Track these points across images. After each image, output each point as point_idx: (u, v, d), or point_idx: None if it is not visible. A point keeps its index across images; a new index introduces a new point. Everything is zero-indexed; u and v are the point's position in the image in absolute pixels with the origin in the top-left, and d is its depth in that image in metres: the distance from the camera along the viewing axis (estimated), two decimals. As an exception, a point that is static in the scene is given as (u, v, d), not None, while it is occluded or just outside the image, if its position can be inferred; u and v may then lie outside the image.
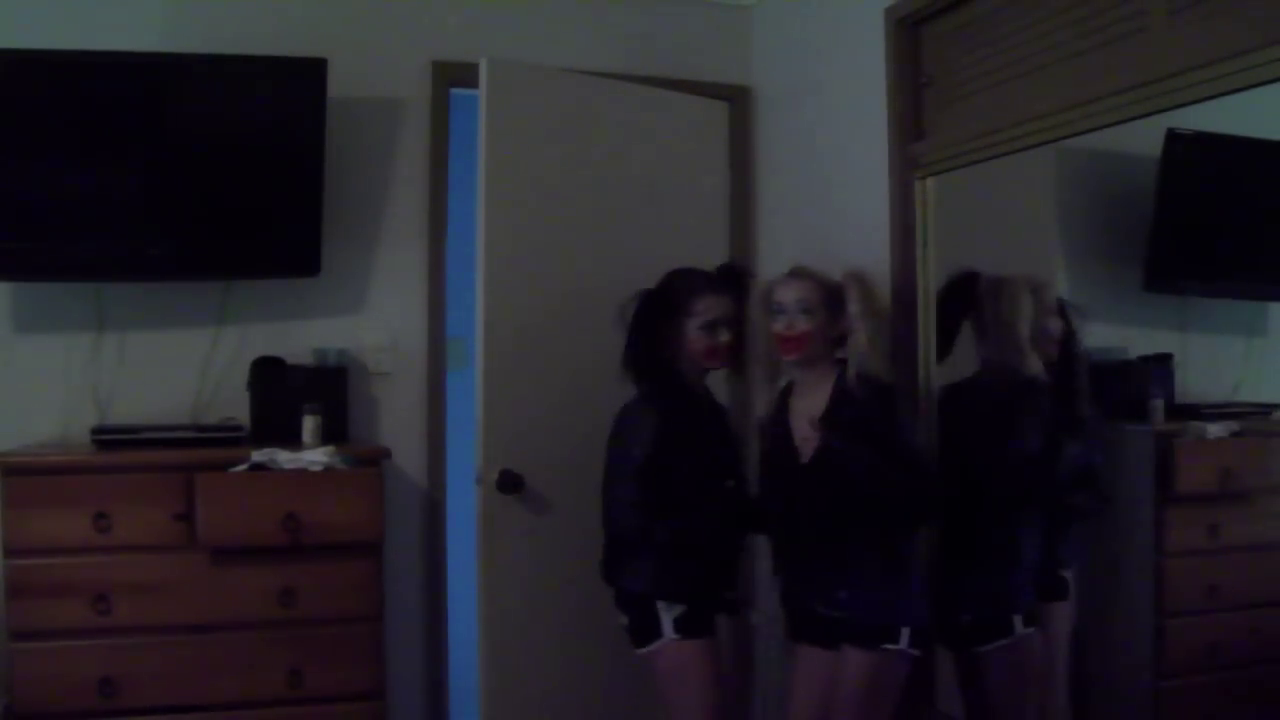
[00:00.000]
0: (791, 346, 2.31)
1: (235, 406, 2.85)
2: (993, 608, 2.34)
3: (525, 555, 2.75)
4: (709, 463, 2.41)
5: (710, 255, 2.87)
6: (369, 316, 3.05)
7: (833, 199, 2.95)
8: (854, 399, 2.24)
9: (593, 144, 2.94)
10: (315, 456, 2.55)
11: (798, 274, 2.35)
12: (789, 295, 2.31)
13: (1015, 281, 2.33)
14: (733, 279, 2.51)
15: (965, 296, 2.42)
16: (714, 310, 2.41)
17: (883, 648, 2.21)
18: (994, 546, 2.36)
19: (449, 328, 3.12)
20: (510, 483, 2.70)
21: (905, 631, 2.22)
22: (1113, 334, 2.40)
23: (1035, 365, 2.28)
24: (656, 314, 2.44)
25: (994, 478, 2.38)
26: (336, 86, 2.83)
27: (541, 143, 2.84)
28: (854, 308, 2.26)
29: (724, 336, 2.41)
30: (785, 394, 2.41)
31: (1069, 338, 2.36)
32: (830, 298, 2.30)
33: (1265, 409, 2.23)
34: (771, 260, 3.23)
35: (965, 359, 2.48)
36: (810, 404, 2.31)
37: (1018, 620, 2.30)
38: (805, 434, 2.29)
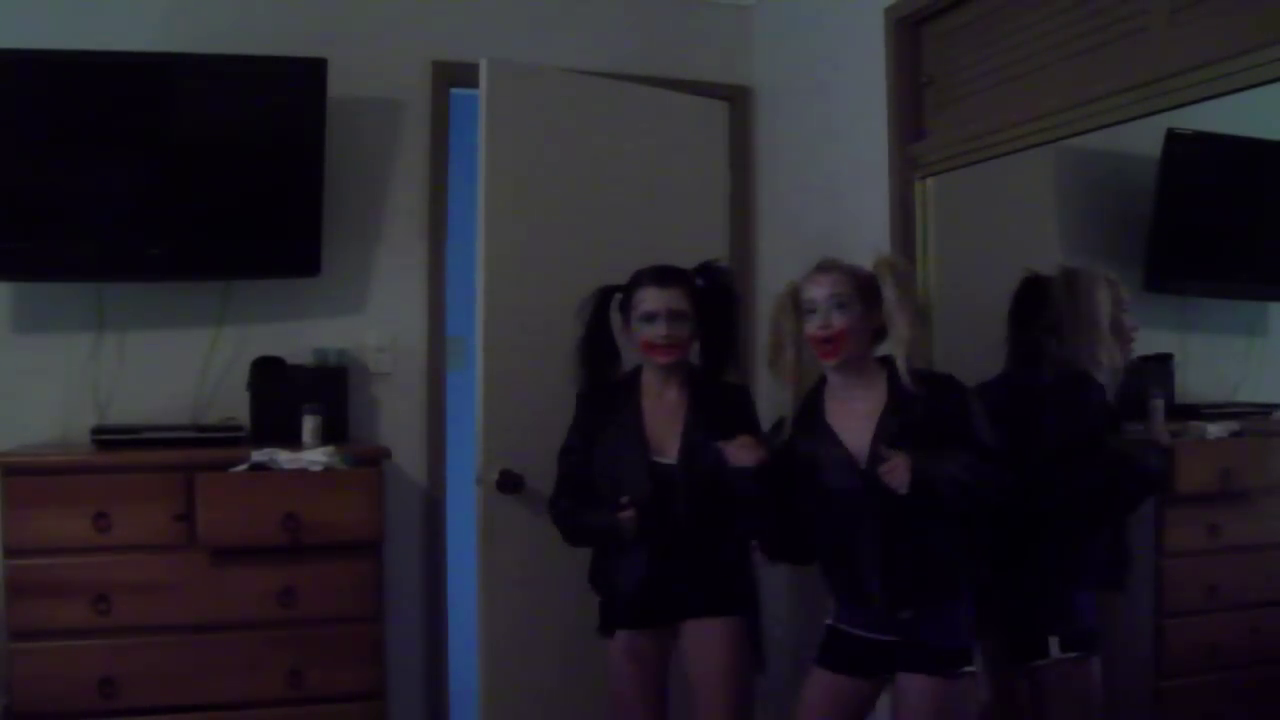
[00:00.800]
0: (829, 348, 2.10)
1: (235, 406, 2.85)
2: (1025, 626, 2.20)
3: (526, 556, 2.75)
4: (607, 465, 2.40)
5: (710, 255, 2.86)
6: (369, 316, 3.05)
7: (833, 199, 2.95)
8: (916, 398, 2.05)
9: (593, 144, 2.95)
10: (315, 456, 2.55)
11: (826, 267, 2.15)
12: (820, 291, 2.10)
13: (1093, 275, 2.15)
14: (679, 274, 2.44)
15: (1042, 298, 2.25)
16: (650, 302, 2.38)
17: (962, 672, 2.03)
18: (1026, 559, 2.19)
19: (449, 328, 3.13)
20: (510, 483, 2.70)
21: (977, 652, 2.08)
22: (1113, 334, 2.40)
23: (1115, 360, 2.13)
24: (605, 309, 2.49)
25: (1042, 483, 2.17)
26: (336, 86, 2.83)
27: (541, 143, 2.84)
28: (890, 295, 2.06)
29: (660, 329, 2.37)
30: (818, 395, 2.21)
31: None
32: (864, 289, 2.10)
33: (1265, 409, 2.23)
34: (772, 260, 3.24)
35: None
36: (858, 406, 2.12)
37: (1054, 642, 2.13)
38: (859, 439, 2.10)
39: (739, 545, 2.41)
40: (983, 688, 2.17)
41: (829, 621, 2.21)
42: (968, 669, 2.05)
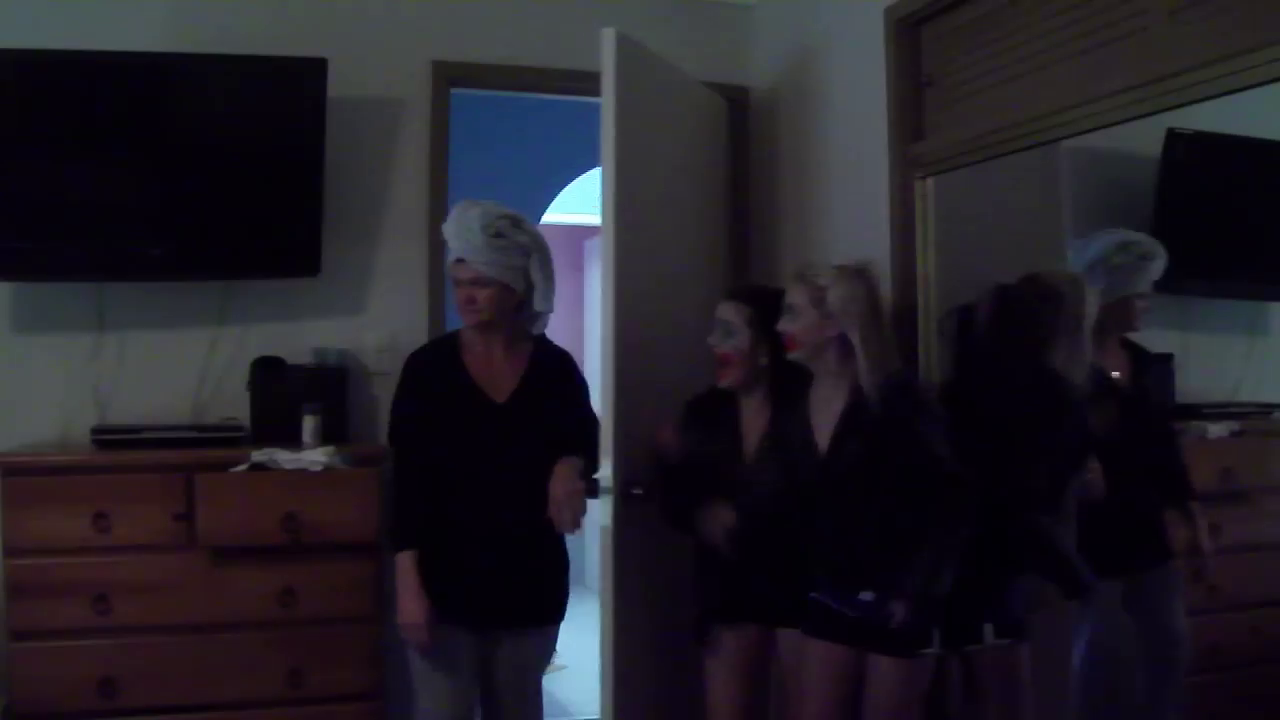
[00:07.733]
0: (786, 345, 2.27)
1: (235, 406, 2.85)
2: (960, 612, 2.20)
3: (650, 566, 2.58)
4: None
5: (709, 254, 2.86)
6: (369, 316, 3.05)
7: (833, 199, 2.95)
8: (868, 405, 2.15)
9: (671, 135, 2.87)
10: (315, 456, 2.56)
11: (797, 275, 2.30)
12: (787, 297, 2.29)
13: (1080, 283, 2.25)
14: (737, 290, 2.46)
15: (1020, 307, 2.30)
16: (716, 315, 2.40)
17: (920, 654, 2.11)
18: (981, 550, 2.21)
19: (449, 328, 3.12)
20: (636, 491, 2.50)
21: (937, 633, 2.13)
22: (1113, 334, 2.40)
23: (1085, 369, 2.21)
24: None
25: (1019, 482, 2.25)
26: (336, 86, 2.83)
27: (646, 131, 2.66)
28: (833, 311, 2.19)
29: (715, 345, 2.38)
30: (807, 384, 2.32)
31: None
32: (819, 300, 2.22)
33: (1265, 409, 2.24)
34: (771, 260, 3.24)
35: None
36: (826, 404, 2.24)
37: (988, 629, 2.19)
38: (824, 431, 2.22)
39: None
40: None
41: (812, 595, 2.26)
42: (928, 650, 2.12)
